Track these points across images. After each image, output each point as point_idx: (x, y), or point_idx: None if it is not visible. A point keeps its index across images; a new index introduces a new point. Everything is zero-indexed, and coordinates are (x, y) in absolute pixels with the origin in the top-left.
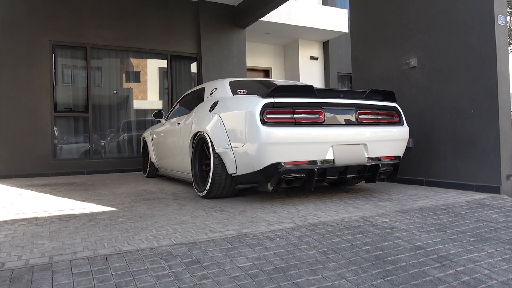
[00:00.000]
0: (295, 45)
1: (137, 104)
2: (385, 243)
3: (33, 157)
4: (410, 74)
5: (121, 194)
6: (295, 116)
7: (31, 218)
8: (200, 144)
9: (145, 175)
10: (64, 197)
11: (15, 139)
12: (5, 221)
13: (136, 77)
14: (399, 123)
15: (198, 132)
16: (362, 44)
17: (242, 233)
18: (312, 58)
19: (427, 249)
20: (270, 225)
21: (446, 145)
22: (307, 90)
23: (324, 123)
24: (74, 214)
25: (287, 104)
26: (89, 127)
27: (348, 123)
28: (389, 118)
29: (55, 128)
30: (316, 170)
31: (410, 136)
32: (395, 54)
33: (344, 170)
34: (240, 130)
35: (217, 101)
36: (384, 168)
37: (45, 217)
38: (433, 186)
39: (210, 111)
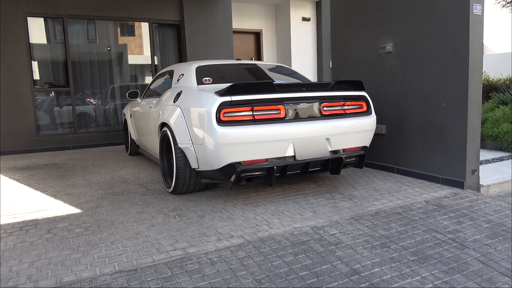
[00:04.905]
0: (286, 5)
1: (121, 75)
2: (323, 267)
3: (17, 134)
4: (386, 59)
5: (94, 184)
6: (254, 113)
7: None
8: (166, 139)
9: (128, 153)
10: (37, 189)
11: None
12: None
13: (117, 47)
14: (367, 112)
15: (163, 123)
16: (341, 24)
17: (187, 254)
18: (304, 19)
19: (361, 274)
20: (219, 241)
21: (417, 135)
22: (267, 87)
23: (286, 118)
24: (37, 220)
25: (246, 101)
26: (72, 101)
27: (311, 117)
28: (356, 108)
29: (36, 104)
30: (275, 168)
31: (383, 123)
32: (373, 37)
33: (306, 165)
34: (199, 127)
35: (181, 91)
36: (349, 160)
37: (8, 224)
38: (403, 174)
39: (174, 102)
